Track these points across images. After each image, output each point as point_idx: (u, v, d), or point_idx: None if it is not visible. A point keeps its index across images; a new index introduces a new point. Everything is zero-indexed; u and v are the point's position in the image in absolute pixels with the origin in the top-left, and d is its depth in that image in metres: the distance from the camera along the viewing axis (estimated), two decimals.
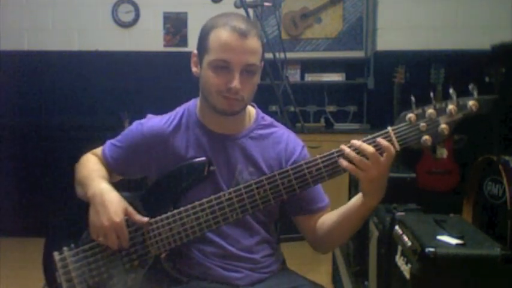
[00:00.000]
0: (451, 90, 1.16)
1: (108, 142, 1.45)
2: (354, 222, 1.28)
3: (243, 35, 1.25)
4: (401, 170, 2.69)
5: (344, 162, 1.17)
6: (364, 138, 1.19)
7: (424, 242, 1.47)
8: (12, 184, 3.98)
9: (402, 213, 1.81)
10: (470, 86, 1.15)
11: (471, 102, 1.14)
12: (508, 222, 2.31)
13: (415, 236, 1.54)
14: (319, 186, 1.39)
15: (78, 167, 1.44)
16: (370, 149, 1.15)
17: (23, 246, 3.57)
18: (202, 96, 1.36)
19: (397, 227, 1.71)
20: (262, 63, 1.36)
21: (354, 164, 1.16)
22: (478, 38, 3.94)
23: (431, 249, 1.42)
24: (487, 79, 2.95)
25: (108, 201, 1.27)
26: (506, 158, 2.50)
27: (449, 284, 1.44)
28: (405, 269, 1.55)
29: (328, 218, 1.35)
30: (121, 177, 1.46)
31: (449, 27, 4.08)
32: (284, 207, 1.41)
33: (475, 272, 1.42)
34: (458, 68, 3.67)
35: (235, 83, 1.25)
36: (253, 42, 1.27)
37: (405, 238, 1.60)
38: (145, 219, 1.28)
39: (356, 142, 1.18)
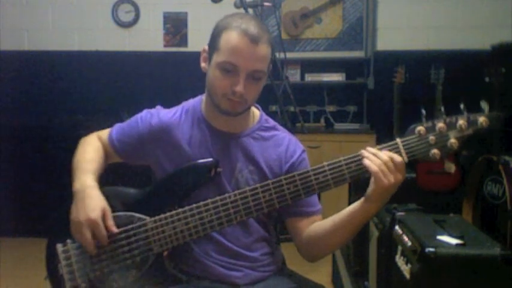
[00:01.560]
0: (461, 106, 1.17)
1: (117, 125, 1.48)
2: (349, 229, 1.27)
3: (254, 40, 1.25)
4: None
5: (367, 161, 1.17)
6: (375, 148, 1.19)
7: (424, 242, 1.47)
8: (12, 184, 3.98)
9: (402, 213, 1.81)
10: (482, 103, 1.15)
11: (482, 119, 1.15)
12: (508, 222, 2.31)
13: (415, 236, 1.54)
14: None
15: (78, 149, 1.45)
16: (384, 156, 1.16)
17: (23, 246, 3.58)
18: (207, 93, 1.37)
19: (397, 227, 1.71)
20: (271, 65, 1.37)
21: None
22: (478, 38, 3.94)
23: (431, 249, 1.42)
24: (487, 79, 2.95)
25: (88, 197, 1.29)
26: (506, 158, 2.49)
27: (449, 284, 1.44)
28: (405, 269, 1.55)
29: (321, 224, 1.35)
30: (122, 160, 1.47)
31: (449, 27, 4.08)
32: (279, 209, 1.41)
33: (475, 272, 1.42)
34: (458, 68, 3.68)
35: (240, 88, 1.26)
36: (263, 49, 1.27)
37: (405, 238, 1.60)
38: (116, 230, 1.28)
39: (372, 149, 1.18)
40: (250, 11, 2.59)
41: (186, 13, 4.33)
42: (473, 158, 2.81)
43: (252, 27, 1.26)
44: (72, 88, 4.26)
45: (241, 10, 2.47)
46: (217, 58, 1.28)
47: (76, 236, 1.29)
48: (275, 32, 4.27)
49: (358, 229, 1.27)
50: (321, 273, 2.96)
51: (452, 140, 1.15)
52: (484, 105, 1.15)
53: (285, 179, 1.23)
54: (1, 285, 2.93)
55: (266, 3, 2.55)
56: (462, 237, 1.48)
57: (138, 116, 1.45)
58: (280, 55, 3.02)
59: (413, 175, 2.61)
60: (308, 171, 1.22)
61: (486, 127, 1.14)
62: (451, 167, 1.15)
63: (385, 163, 1.15)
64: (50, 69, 4.29)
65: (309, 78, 4.34)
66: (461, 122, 1.15)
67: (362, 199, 1.23)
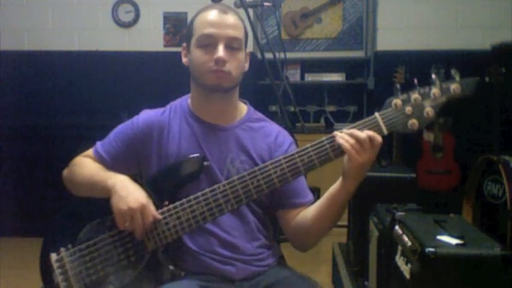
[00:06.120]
0: (433, 76, 1.22)
1: (99, 142, 1.47)
2: (335, 209, 1.30)
3: (223, 11, 1.35)
4: (401, 170, 2.68)
5: (341, 140, 1.20)
6: (352, 125, 1.22)
7: (424, 242, 1.47)
8: (12, 184, 3.98)
9: (402, 213, 1.81)
10: (452, 71, 1.21)
11: (453, 86, 1.19)
12: (508, 222, 2.31)
13: (415, 236, 1.54)
14: (304, 182, 1.43)
15: (75, 169, 1.44)
16: (361, 134, 1.19)
17: (23, 246, 3.57)
18: (194, 82, 1.40)
19: (397, 227, 1.71)
20: (248, 51, 1.42)
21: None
22: (478, 38, 3.95)
23: (431, 249, 1.42)
24: (487, 79, 2.95)
25: (131, 186, 1.30)
26: (506, 158, 2.49)
27: (449, 284, 1.44)
28: (405, 269, 1.55)
29: (309, 211, 1.37)
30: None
31: (449, 27, 4.08)
32: (270, 200, 1.42)
33: (475, 272, 1.42)
34: (458, 68, 3.66)
35: (220, 53, 1.31)
36: (234, 18, 1.36)
37: (405, 238, 1.60)
38: (159, 216, 1.29)
39: (347, 130, 1.21)
40: (251, 11, 2.60)
41: (186, 13, 4.32)
42: (473, 158, 2.81)
43: (219, 5, 1.39)
44: (72, 88, 4.26)
45: (241, 10, 2.47)
46: (194, 39, 1.36)
47: (125, 225, 1.27)
48: (275, 32, 4.28)
49: (342, 210, 1.31)
50: (321, 273, 2.96)
51: (428, 109, 1.20)
52: (455, 73, 1.20)
53: (272, 163, 1.25)
54: (1, 285, 2.93)
55: (266, 3, 2.55)
56: (462, 237, 1.48)
57: (123, 125, 1.45)
58: (280, 55, 3.02)
59: (413, 175, 2.61)
60: (293, 154, 1.25)
61: (459, 93, 1.19)
62: (430, 136, 1.22)
63: (362, 142, 1.18)
64: (50, 69, 4.28)
65: (309, 78, 4.34)
66: (434, 90, 1.20)
67: (340, 178, 1.26)
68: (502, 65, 2.96)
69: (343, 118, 4.37)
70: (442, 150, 3.69)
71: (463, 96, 1.19)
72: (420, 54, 4.03)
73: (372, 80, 4.21)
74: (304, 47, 4.45)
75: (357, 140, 1.18)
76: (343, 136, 1.20)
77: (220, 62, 1.31)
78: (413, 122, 1.20)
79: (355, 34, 4.41)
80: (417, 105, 1.20)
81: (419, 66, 3.81)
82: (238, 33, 1.35)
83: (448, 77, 1.22)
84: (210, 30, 1.33)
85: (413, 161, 3.64)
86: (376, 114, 1.22)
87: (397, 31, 4.15)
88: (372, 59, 4.25)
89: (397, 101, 1.21)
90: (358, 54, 4.39)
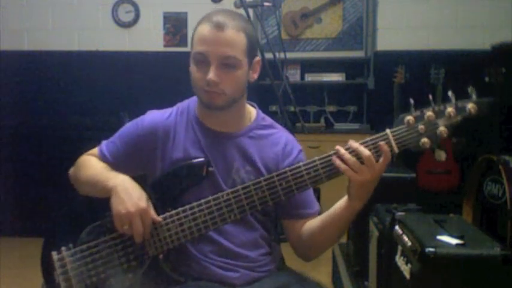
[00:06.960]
0: (449, 93, 1.17)
1: (104, 142, 1.46)
2: (339, 225, 1.29)
3: (218, 27, 1.26)
4: (401, 170, 2.69)
5: (337, 161, 1.18)
6: (362, 141, 1.19)
7: (424, 242, 1.47)
8: (12, 184, 3.98)
9: (402, 213, 1.82)
10: (469, 89, 1.15)
11: (470, 105, 1.14)
12: (508, 222, 2.31)
13: (415, 236, 1.54)
14: (311, 192, 1.40)
15: (80, 168, 1.43)
16: (366, 152, 1.16)
17: (23, 246, 3.57)
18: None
19: (397, 227, 1.71)
20: (258, 58, 1.37)
21: (347, 164, 1.17)
22: (478, 38, 3.94)
23: (431, 249, 1.42)
24: (487, 79, 2.96)
25: (132, 189, 1.28)
26: (506, 158, 2.50)
27: (449, 284, 1.44)
28: (405, 269, 1.55)
29: (313, 223, 1.36)
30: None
31: (449, 27, 4.08)
32: (276, 209, 1.40)
33: (475, 272, 1.42)
34: (458, 68, 3.68)
35: (211, 75, 1.26)
36: (230, 34, 1.26)
37: (405, 238, 1.60)
38: (159, 218, 1.28)
39: (353, 144, 1.18)
40: (251, 11, 2.60)
41: (186, 13, 4.32)
42: (473, 158, 2.81)
43: (219, 16, 1.27)
44: (72, 88, 4.26)
45: (241, 10, 2.47)
46: (191, 53, 1.31)
47: (123, 228, 1.26)
48: (275, 32, 4.27)
49: (347, 225, 1.29)
50: (321, 273, 2.96)
51: (442, 128, 1.15)
52: (472, 91, 1.15)
53: (277, 175, 1.23)
54: (1, 285, 2.93)
55: (266, 3, 2.55)
56: (462, 237, 1.48)
57: (128, 125, 1.43)
58: (280, 55, 3.02)
59: (413, 175, 2.61)
60: (300, 166, 1.22)
61: (475, 113, 1.14)
62: (441, 155, 1.16)
63: (367, 159, 1.15)
64: (50, 69, 4.28)
65: (309, 78, 4.34)
66: (449, 109, 1.15)
67: (346, 196, 1.25)
68: (502, 65, 2.96)
69: (343, 118, 4.37)
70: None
71: (478, 116, 1.14)
72: (420, 54, 4.03)
73: (372, 80, 4.21)
74: (304, 47, 4.45)
75: (360, 157, 1.16)
76: (343, 155, 1.17)
77: (211, 84, 1.26)
78: (425, 141, 1.15)
79: (355, 34, 4.41)
80: (431, 123, 1.15)
81: (419, 66, 3.82)
82: (235, 51, 1.27)
83: (448, 78, 1.19)
84: (202, 49, 1.26)
85: (413, 161, 3.64)
86: (388, 131, 1.18)
87: (397, 31, 4.14)
88: (371, 59, 4.25)
89: (410, 118, 1.16)
90: (358, 54, 4.39)
